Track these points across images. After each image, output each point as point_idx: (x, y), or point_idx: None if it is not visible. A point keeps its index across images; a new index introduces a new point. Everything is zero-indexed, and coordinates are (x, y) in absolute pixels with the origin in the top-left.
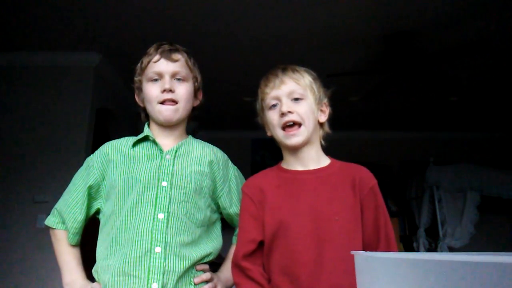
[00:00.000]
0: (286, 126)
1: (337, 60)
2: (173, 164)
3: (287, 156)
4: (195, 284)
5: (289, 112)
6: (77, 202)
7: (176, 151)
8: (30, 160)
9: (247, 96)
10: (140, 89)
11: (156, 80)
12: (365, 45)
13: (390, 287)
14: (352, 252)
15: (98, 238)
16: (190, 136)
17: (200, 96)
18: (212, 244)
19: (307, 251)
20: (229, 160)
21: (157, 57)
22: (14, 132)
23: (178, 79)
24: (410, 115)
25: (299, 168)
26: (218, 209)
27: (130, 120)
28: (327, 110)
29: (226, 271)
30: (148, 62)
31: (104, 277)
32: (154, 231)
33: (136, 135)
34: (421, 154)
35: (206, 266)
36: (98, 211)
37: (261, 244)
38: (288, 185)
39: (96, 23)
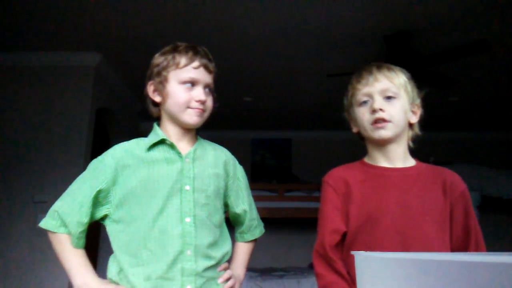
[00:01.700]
0: (375, 122)
1: (337, 60)
2: (193, 168)
3: (373, 152)
4: (219, 284)
5: (381, 109)
6: (83, 205)
7: (193, 154)
8: (30, 160)
9: (247, 96)
10: (162, 84)
11: (189, 85)
12: (365, 45)
13: (390, 287)
14: (352, 252)
15: (115, 245)
16: (199, 137)
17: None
18: (227, 242)
19: (393, 248)
20: (236, 159)
21: (197, 63)
22: (14, 132)
23: (207, 90)
24: None
25: (385, 164)
26: (225, 208)
27: (130, 120)
28: (418, 112)
29: (236, 267)
30: (187, 65)
31: (137, 283)
32: (184, 235)
33: (136, 135)
34: (421, 154)
35: (227, 265)
36: (102, 218)
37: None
38: (374, 180)
39: (96, 23)
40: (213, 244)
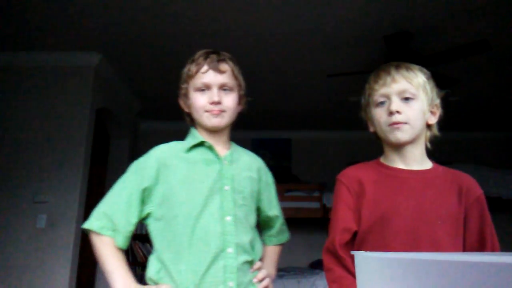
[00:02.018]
0: (392, 124)
1: (337, 60)
2: (231, 169)
3: (389, 153)
4: (255, 283)
5: (398, 112)
6: (131, 205)
7: (230, 157)
8: (30, 160)
9: (247, 96)
10: (186, 96)
11: (203, 90)
12: (365, 45)
13: (390, 287)
14: (352, 252)
15: (158, 244)
16: (232, 142)
17: (243, 101)
18: (260, 243)
19: (403, 249)
20: (266, 165)
21: (205, 67)
22: (14, 132)
23: (225, 90)
24: None
25: (401, 166)
26: (257, 212)
27: (130, 120)
28: (438, 112)
29: (268, 267)
30: (197, 72)
31: (180, 279)
32: (226, 233)
33: (136, 135)
34: None
35: (261, 264)
36: (146, 216)
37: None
38: (389, 181)
39: (96, 23)
40: (249, 244)
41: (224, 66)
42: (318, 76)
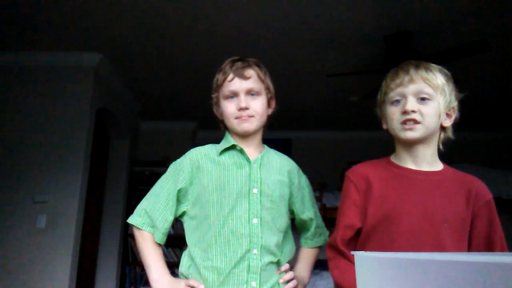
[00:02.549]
0: (405, 122)
1: (337, 60)
2: (260, 173)
3: (400, 152)
4: (280, 284)
5: (413, 111)
6: (168, 203)
7: (261, 161)
8: (30, 160)
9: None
10: (218, 105)
11: (232, 97)
12: (365, 45)
13: (390, 287)
14: (352, 252)
15: (190, 240)
16: (265, 145)
17: (273, 103)
18: (290, 245)
19: (406, 250)
20: (300, 168)
21: (231, 76)
22: (14, 132)
23: (252, 95)
24: None
25: (411, 166)
26: (291, 214)
27: (130, 120)
28: (454, 115)
29: (300, 270)
30: (224, 81)
31: (207, 276)
32: (252, 235)
33: (136, 135)
34: None
35: (288, 266)
36: (181, 214)
37: (357, 231)
38: (397, 180)
39: (96, 23)
40: (276, 245)
41: (249, 72)
42: (318, 76)
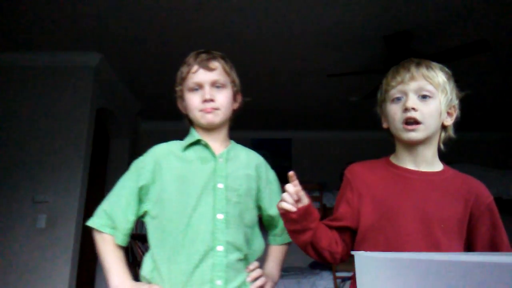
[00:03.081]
0: (406, 122)
1: (337, 60)
2: (226, 167)
3: (400, 151)
4: (248, 283)
5: (413, 109)
6: (129, 203)
7: (226, 155)
8: (30, 160)
9: (247, 96)
10: (182, 98)
11: (196, 89)
12: (365, 45)
13: (390, 287)
14: (352, 252)
15: (152, 241)
16: (232, 141)
17: (239, 98)
18: (259, 242)
19: (403, 250)
20: (268, 164)
21: (195, 67)
22: (14, 132)
23: (217, 87)
24: None
25: (410, 166)
26: (258, 211)
27: (130, 120)
28: (455, 114)
29: (271, 267)
30: (188, 72)
31: (168, 278)
32: (216, 231)
33: (136, 135)
34: None
35: (257, 264)
36: (143, 214)
37: (346, 230)
38: (395, 180)
39: (96, 23)
40: (244, 241)
41: (214, 64)
42: (318, 76)
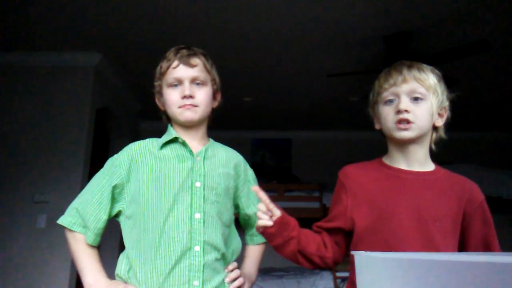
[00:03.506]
0: (399, 122)
1: (337, 60)
2: (204, 166)
3: (393, 152)
4: (227, 283)
5: (406, 111)
6: (101, 202)
7: (205, 153)
8: (30, 160)
9: (247, 96)
10: (161, 94)
11: (175, 85)
12: (365, 45)
13: (390, 287)
14: (352, 252)
15: (127, 242)
16: (211, 139)
17: (219, 97)
18: (236, 241)
19: (399, 250)
20: (247, 162)
21: (176, 62)
22: (14, 132)
23: (197, 84)
24: None
25: (403, 166)
26: (235, 209)
27: (130, 120)
28: (445, 114)
29: (248, 267)
30: (168, 68)
31: (144, 279)
32: (193, 231)
33: (136, 135)
34: None
35: (236, 264)
36: (117, 214)
37: (339, 232)
38: (388, 181)
39: (96, 23)
40: (221, 241)
41: (195, 60)
42: (318, 76)
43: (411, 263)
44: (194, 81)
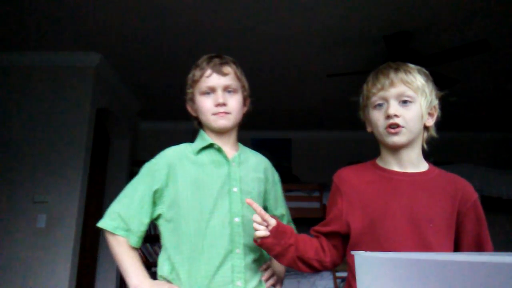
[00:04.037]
0: (389, 126)
1: (337, 60)
2: (239, 171)
3: (385, 155)
4: (262, 281)
5: (396, 115)
6: (143, 206)
7: (238, 159)
8: (30, 160)
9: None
10: (193, 101)
11: (208, 93)
12: (365, 45)
13: (390, 287)
14: (352, 252)
15: (168, 244)
16: (240, 143)
17: (248, 102)
18: None
19: (394, 250)
20: (273, 165)
21: (209, 71)
22: (14, 132)
23: (229, 91)
24: None
25: (396, 168)
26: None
27: (130, 120)
28: (435, 114)
29: (277, 266)
30: (201, 76)
31: (188, 281)
32: (234, 235)
33: (136, 135)
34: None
35: (269, 263)
36: (157, 217)
37: (336, 235)
38: (382, 183)
39: (96, 23)
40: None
41: (227, 69)
42: (318, 76)
43: (410, 263)
44: (226, 89)
